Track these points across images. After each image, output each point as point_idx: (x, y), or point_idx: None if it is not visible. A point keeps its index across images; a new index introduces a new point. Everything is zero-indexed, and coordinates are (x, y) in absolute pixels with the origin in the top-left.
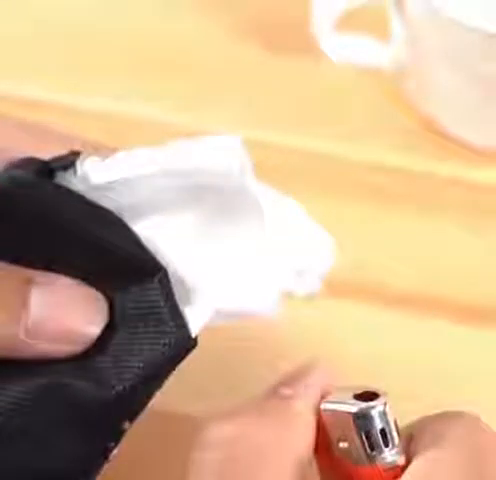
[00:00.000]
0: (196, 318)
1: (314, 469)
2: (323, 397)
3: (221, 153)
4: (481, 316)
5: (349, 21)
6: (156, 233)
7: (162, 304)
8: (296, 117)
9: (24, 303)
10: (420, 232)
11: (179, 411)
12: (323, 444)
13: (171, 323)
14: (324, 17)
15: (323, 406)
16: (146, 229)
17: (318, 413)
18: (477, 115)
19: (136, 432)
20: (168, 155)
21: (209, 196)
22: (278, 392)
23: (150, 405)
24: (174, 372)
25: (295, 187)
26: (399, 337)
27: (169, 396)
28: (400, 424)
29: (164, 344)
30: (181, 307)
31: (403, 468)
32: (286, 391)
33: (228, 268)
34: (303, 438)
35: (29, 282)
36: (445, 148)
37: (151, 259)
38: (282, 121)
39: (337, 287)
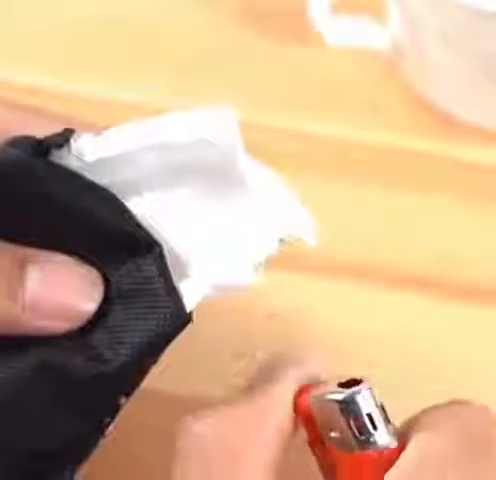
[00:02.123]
0: (191, 293)
1: (298, 442)
2: (305, 389)
3: (215, 126)
4: (483, 296)
5: (346, 3)
6: (151, 209)
7: (157, 279)
8: (294, 100)
9: (21, 280)
10: (420, 212)
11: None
12: (316, 437)
13: (166, 298)
14: (321, 0)
15: (310, 398)
16: (141, 205)
17: (296, 398)
18: (475, 95)
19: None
20: (163, 128)
21: (202, 171)
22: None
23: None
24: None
25: (293, 169)
26: (397, 316)
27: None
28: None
29: (159, 319)
30: (176, 282)
31: (398, 450)
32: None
33: (221, 243)
34: (282, 411)
35: (25, 260)
36: (444, 128)
37: (146, 235)
38: (280, 104)
39: (335, 268)
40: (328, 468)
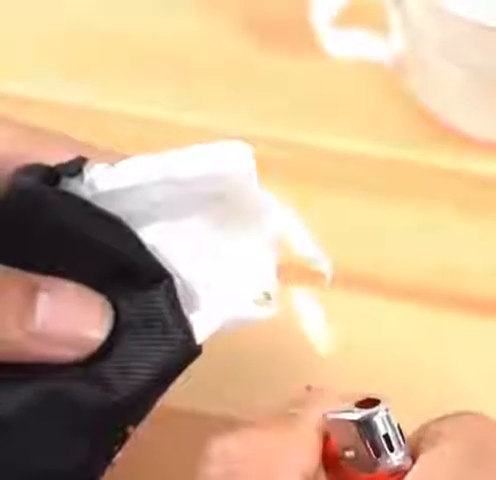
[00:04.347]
0: (202, 325)
1: None
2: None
3: (230, 161)
4: (481, 307)
5: (348, 16)
6: (162, 240)
7: (167, 311)
8: (296, 112)
9: (31, 308)
10: (420, 224)
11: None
12: (330, 456)
13: (176, 330)
14: (323, 12)
15: (326, 417)
16: (152, 236)
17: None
18: (477, 108)
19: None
20: (176, 162)
21: (215, 203)
22: (285, 411)
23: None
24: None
25: (295, 181)
26: (399, 328)
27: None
28: (407, 421)
29: (169, 351)
30: (187, 314)
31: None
32: (292, 410)
33: (231, 276)
34: (308, 456)
35: (35, 287)
36: (445, 141)
37: (157, 266)
38: (282, 117)
39: (337, 279)
40: None
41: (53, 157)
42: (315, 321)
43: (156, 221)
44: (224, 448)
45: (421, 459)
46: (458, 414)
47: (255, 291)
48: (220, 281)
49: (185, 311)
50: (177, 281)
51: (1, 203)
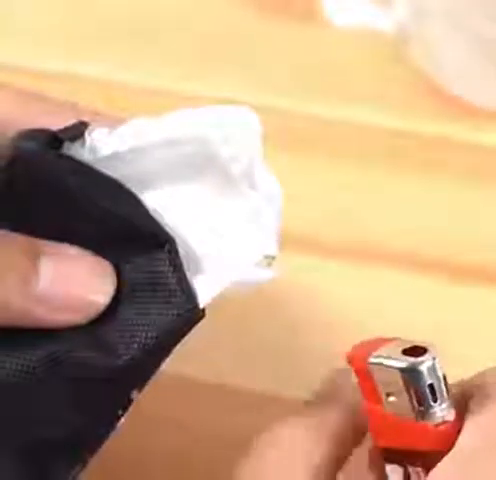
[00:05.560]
0: (205, 289)
1: None
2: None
3: (237, 124)
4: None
5: None
6: (163, 204)
7: (170, 275)
8: (299, 82)
9: (34, 272)
10: (425, 194)
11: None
12: (371, 397)
13: (179, 294)
14: None
15: (371, 360)
16: (154, 200)
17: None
18: (481, 77)
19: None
20: (176, 124)
21: (214, 166)
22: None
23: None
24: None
25: (297, 151)
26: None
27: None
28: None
29: (172, 315)
30: (190, 278)
31: (454, 424)
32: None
33: (233, 239)
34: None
35: (38, 252)
36: (449, 110)
37: (159, 230)
38: (284, 86)
39: (341, 251)
40: (379, 430)
41: (55, 122)
42: None
43: (157, 185)
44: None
45: (474, 416)
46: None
47: (257, 254)
48: (221, 244)
49: (188, 275)
50: (180, 245)
51: (3, 168)
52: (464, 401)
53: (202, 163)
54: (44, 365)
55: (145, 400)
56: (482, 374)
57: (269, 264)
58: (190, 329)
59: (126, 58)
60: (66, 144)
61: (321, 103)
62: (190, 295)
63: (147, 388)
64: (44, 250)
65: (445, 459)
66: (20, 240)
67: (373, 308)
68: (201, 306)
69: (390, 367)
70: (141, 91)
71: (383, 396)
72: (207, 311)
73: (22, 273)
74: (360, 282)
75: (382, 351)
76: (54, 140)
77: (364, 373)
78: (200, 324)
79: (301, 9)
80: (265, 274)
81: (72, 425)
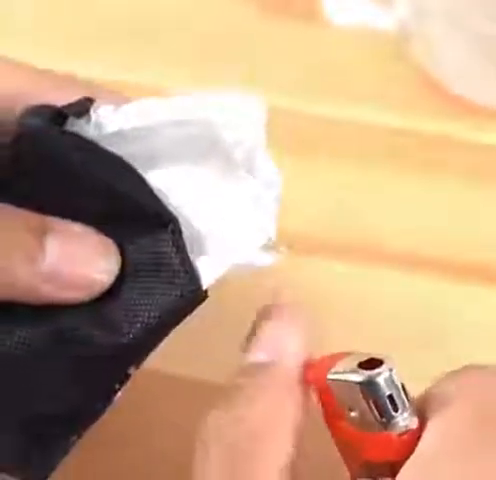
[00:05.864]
0: (208, 270)
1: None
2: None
3: (242, 110)
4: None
5: None
6: (168, 183)
7: (173, 255)
8: (299, 81)
9: (40, 248)
10: (426, 193)
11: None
12: (334, 413)
13: (182, 275)
14: None
15: (329, 377)
16: (158, 179)
17: (305, 375)
18: (481, 75)
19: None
20: (183, 105)
21: (217, 150)
22: (253, 363)
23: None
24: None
25: (297, 151)
26: (409, 298)
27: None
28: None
29: (175, 295)
30: (193, 259)
31: (417, 431)
32: (260, 358)
33: (237, 222)
34: (294, 410)
35: (45, 229)
36: (449, 109)
37: (163, 210)
38: (285, 86)
39: (341, 250)
40: (345, 445)
41: (61, 98)
42: None
43: (161, 165)
44: (216, 423)
45: (432, 424)
46: (465, 368)
47: (260, 237)
48: (225, 227)
49: (191, 256)
50: (183, 225)
51: (9, 144)
52: (424, 409)
53: (206, 146)
54: (48, 341)
55: (146, 402)
56: (440, 380)
57: (269, 249)
58: (192, 310)
59: (126, 58)
60: (71, 120)
61: (322, 102)
62: (193, 276)
63: (147, 390)
64: (50, 226)
65: (407, 464)
66: (26, 216)
67: (373, 308)
68: (204, 287)
69: (348, 382)
70: (141, 91)
71: (346, 411)
72: (210, 311)
73: (28, 250)
74: (360, 282)
75: (339, 367)
76: (58, 116)
77: (324, 390)
78: (203, 325)
79: (302, 9)
80: (266, 258)
81: (70, 400)
